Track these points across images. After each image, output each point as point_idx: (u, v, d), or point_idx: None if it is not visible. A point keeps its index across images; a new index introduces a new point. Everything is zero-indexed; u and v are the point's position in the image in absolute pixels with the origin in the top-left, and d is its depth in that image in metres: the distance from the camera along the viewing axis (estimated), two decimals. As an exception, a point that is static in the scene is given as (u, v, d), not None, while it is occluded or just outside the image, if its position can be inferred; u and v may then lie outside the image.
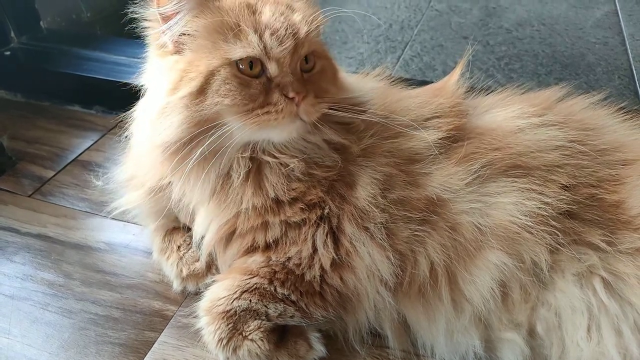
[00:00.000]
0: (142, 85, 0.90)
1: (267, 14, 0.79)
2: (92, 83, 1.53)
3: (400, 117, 0.87)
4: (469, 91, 0.98)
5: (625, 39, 1.98)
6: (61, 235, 1.14)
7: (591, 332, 0.77)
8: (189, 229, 0.99)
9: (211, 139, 0.79)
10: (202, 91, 0.78)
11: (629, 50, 1.89)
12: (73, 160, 1.36)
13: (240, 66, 0.78)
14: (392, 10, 2.26)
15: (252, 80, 0.79)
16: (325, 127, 0.84)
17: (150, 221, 1.02)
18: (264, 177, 0.84)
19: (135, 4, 0.81)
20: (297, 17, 0.81)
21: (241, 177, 0.84)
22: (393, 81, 1.01)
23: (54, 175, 1.31)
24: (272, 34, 0.78)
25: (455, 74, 0.98)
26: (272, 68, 0.79)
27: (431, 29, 2.10)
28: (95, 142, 1.43)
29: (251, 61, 0.78)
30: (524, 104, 0.91)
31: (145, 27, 0.84)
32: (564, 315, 0.79)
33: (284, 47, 0.78)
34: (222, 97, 0.78)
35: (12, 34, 1.67)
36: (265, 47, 0.77)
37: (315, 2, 0.88)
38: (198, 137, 0.80)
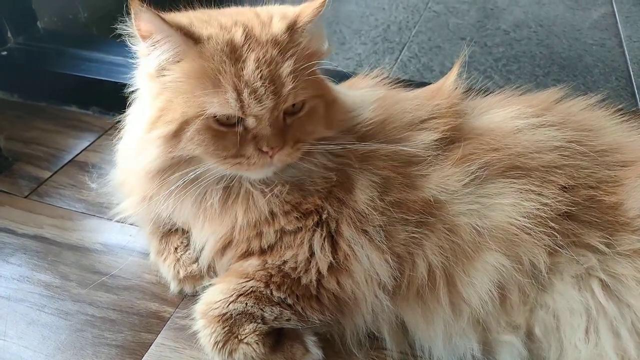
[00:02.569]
0: (135, 90, 0.90)
1: (249, 67, 0.75)
2: (89, 83, 1.52)
3: (400, 147, 0.85)
4: (467, 92, 0.98)
5: (623, 40, 1.98)
6: (58, 237, 1.13)
7: (589, 334, 0.77)
8: (186, 231, 0.99)
9: (189, 173, 0.80)
10: (176, 136, 0.78)
11: (626, 52, 1.90)
12: (70, 161, 1.36)
13: (217, 115, 0.76)
14: (389, 11, 2.26)
15: (228, 130, 0.77)
16: (316, 154, 0.84)
17: (147, 224, 1.02)
18: (253, 197, 0.85)
19: (124, 20, 0.78)
20: (285, 69, 0.76)
21: (230, 200, 0.85)
22: (391, 82, 1.01)
23: (50, 176, 1.31)
24: (250, 93, 0.74)
25: (452, 75, 0.98)
26: (249, 121, 0.77)
27: (429, 30, 2.10)
28: (92, 142, 1.42)
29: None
30: (522, 105, 0.91)
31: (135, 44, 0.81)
32: (562, 317, 0.79)
33: (262, 105, 0.75)
34: (196, 146, 0.78)
35: (9, 34, 1.66)
36: (242, 106, 0.75)
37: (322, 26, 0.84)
38: (177, 167, 0.82)
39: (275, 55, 0.77)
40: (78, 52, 1.62)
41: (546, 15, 2.19)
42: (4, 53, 1.63)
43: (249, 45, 0.76)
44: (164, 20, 0.74)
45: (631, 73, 1.77)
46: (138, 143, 0.84)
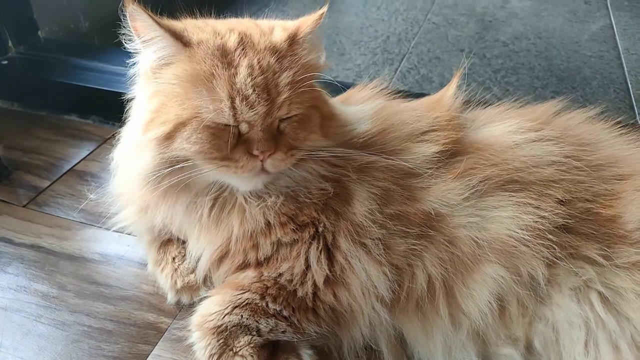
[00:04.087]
0: (133, 98, 0.90)
1: (242, 73, 0.75)
2: (89, 93, 1.53)
3: (399, 160, 0.85)
4: (466, 104, 0.98)
5: (621, 52, 1.99)
6: (55, 246, 1.13)
7: (588, 347, 0.77)
8: (184, 241, 0.99)
9: (183, 175, 0.80)
10: (170, 137, 0.78)
11: (624, 64, 1.91)
12: (69, 170, 1.36)
13: (210, 121, 0.76)
14: (389, 22, 2.27)
15: (224, 130, 0.77)
16: (311, 163, 0.84)
17: (144, 234, 1.02)
18: (249, 208, 0.85)
19: (125, 24, 0.79)
20: (283, 79, 0.77)
21: (225, 210, 0.85)
22: (390, 93, 1.01)
23: (49, 185, 1.31)
24: (242, 100, 0.75)
25: (452, 87, 0.99)
26: (242, 127, 0.77)
27: (428, 41, 2.11)
28: (92, 152, 1.42)
29: None
30: (521, 119, 0.92)
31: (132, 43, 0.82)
32: (562, 330, 0.78)
33: (254, 111, 0.75)
34: (191, 144, 0.77)
35: (10, 44, 1.66)
36: (235, 114, 0.75)
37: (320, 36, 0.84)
38: (172, 172, 0.81)
39: (273, 63, 0.77)
40: (79, 62, 1.63)
41: (545, 27, 2.21)
42: (5, 62, 1.64)
43: (243, 50, 0.77)
44: (154, 19, 0.75)
45: (629, 85, 1.78)
46: (134, 146, 0.84)
